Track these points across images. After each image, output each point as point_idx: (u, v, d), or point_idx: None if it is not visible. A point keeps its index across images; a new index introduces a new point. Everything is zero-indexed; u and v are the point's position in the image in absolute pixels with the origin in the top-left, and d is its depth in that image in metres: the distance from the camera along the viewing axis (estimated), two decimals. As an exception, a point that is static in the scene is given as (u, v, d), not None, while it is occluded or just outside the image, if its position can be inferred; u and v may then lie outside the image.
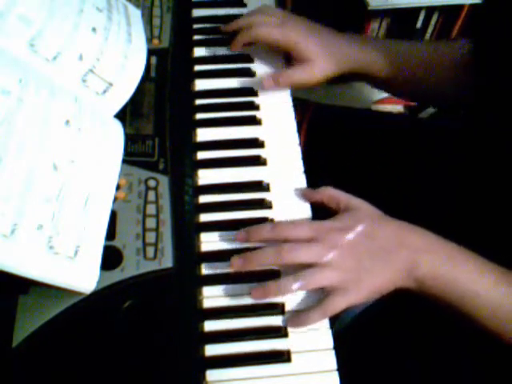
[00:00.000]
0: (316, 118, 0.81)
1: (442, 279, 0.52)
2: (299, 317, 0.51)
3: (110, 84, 0.59)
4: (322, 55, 0.66)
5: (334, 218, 0.56)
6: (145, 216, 0.55)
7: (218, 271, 0.54)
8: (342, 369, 0.49)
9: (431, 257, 0.53)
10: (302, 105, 0.81)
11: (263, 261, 0.52)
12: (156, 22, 0.72)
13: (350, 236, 0.53)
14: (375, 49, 0.69)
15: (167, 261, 0.53)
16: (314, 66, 0.66)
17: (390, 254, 0.53)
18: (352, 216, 0.55)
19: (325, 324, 0.52)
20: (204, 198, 0.59)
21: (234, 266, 0.52)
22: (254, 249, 0.53)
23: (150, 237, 0.54)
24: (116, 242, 0.53)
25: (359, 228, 0.53)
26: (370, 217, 0.56)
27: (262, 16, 0.68)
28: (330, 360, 0.50)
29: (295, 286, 0.51)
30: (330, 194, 0.58)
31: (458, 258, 0.54)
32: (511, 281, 0.53)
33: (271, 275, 0.53)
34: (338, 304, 0.51)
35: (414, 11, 1.36)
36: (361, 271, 0.52)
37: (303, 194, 0.59)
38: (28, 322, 0.48)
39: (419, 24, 1.40)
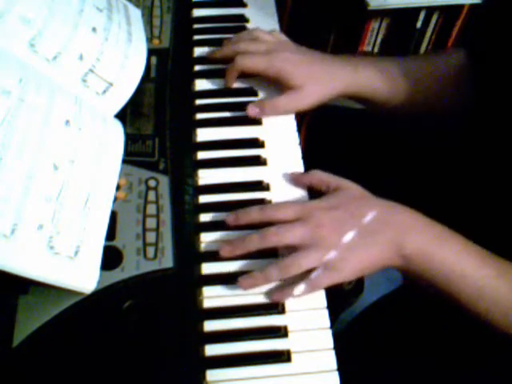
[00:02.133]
0: (316, 118, 0.81)
1: (429, 258, 0.53)
2: (284, 290, 0.52)
3: (110, 84, 0.59)
4: (311, 82, 0.64)
5: (323, 197, 0.56)
6: (145, 216, 0.55)
7: (218, 271, 0.54)
8: (341, 369, 0.49)
9: (418, 236, 0.53)
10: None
11: (249, 245, 0.53)
12: (156, 22, 0.72)
13: (336, 215, 0.53)
14: (369, 70, 0.67)
15: (167, 261, 0.53)
16: (302, 93, 0.64)
17: (376, 233, 0.53)
18: (339, 196, 0.55)
19: (325, 324, 0.52)
20: (204, 198, 0.59)
21: (223, 252, 0.53)
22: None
23: (150, 237, 0.54)
24: (116, 242, 0.53)
25: (345, 207, 0.54)
26: (358, 196, 0.56)
27: (247, 44, 0.67)
28: (330, 360, 0.50)
29: (281, 272, 0.52)
30: (320, 177, 0.58)
31: (446, 238, 0.54)
32: (496, 263, 0.53)
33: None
34: (324, 280, 0.52)
35: (414, 11, 1.36)
36: (346, 249, 0.52)
37: (293, 179, 0.60)
38: (28, 322, 0.48)
39: (419, 24, 1.40)
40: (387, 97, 0.68)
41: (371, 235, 0.53)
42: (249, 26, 0.75)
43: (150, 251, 0.53)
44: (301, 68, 0.64)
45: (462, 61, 0.69)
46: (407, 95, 0.69)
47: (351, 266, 0.52)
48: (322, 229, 0.52)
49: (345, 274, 0.52)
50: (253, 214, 0.55)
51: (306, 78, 0.64)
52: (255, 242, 0.53)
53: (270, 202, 0.59)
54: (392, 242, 0.53)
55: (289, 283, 0.52)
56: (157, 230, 0.54)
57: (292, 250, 0.53)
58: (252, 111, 0.64)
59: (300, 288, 0.51)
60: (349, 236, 0.52)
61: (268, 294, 0.52)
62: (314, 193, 0.59)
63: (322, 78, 0.65)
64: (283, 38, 0.70)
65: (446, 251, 0.53)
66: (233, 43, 0.68)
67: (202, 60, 0.71)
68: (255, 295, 0.53)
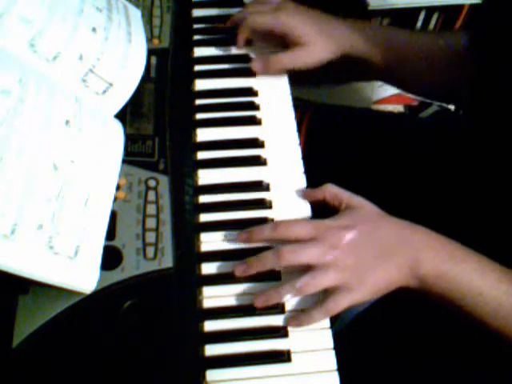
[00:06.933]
0: (316, 118, 0.81)
1: (445, 277, 0.52)
2: (300, 316, 0.51)
3: (110, 84, 0.59)
4: (317, 39, 0.64)
5: (336, 216, 0.55)
6: (145, 216, 0.55)
7: (218, 271, 0.54)
8: (341, 369, 0.49)
9: (433, 255, 0.53)
10: (302, 105, 0.81)
11: (264, 264, 0.52)
12: (156, 21, 0.72)
13: (351, 235, 0.53)
14: (375, 36, 0.68)
15: (167, 261, 0.53)
16: (308, 49, 0.64)
17: (391, 253, 0.53)
18: (353, 214, 0.55)
19: (325, 324, 0.52)
20: (204, 198, 0.59)
21: (237, 272, 0.52)
22: (254, 250, 0.54)
23: (150, 237, 0.54)
24: (116, 242, 0.53)
25: (360, 227, 0.53)
26: (372, 215, 0.55)
27: (255, 6, 0.68)
28: (330, 360, 0.50)
29: (297, 291, 0.51)
30: (332, 191, 0.57)
31: (461, 256, 0.54)
32: None
33: (271, 275, 0.53)
34: (341, 303, 0.51)
35: (413, 11, 1.36)
36: (362, 270, 0.52)
37: (305, 195, 0.59)
38: (28, 322, 0.48)
39: (419, 24, 1.40)
40: (391, 63, 0.68)
41: (386, 256, 0.52)
42: (249, 25, 0.75)
43: (150, 251, 0.53)
44: (308, 25, 0.64)
45: (462, 41, 0.69)
46: (411, 64, 0.69)
47: (368, 287, 0.52)
48: (337, 250, 0.51)
49: (362, 295, 0.52)
50: (265, 233, 0.54)
51: (313, 35, 0.64)
52: (270, 260, 0.52)
53: (269, 202, 0.59)
54: (407, 261, 0.52)
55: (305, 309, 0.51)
56: (157, 230, 0.54)
57: (299, 273, 0.52)
58: (257, 67, 0.64)
59: (318, 314, 0.50)
60: (364, 257, 0.52)
61: (285, 319, 0.51)
62: (320, 207, 0.58)
63: (329, 36, 0.65)
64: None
65: (461, 270, 0.52)
66: (242, 10, 0.68)
67: (202, 60, 0.71)
68: (255, 295, 0.52)
